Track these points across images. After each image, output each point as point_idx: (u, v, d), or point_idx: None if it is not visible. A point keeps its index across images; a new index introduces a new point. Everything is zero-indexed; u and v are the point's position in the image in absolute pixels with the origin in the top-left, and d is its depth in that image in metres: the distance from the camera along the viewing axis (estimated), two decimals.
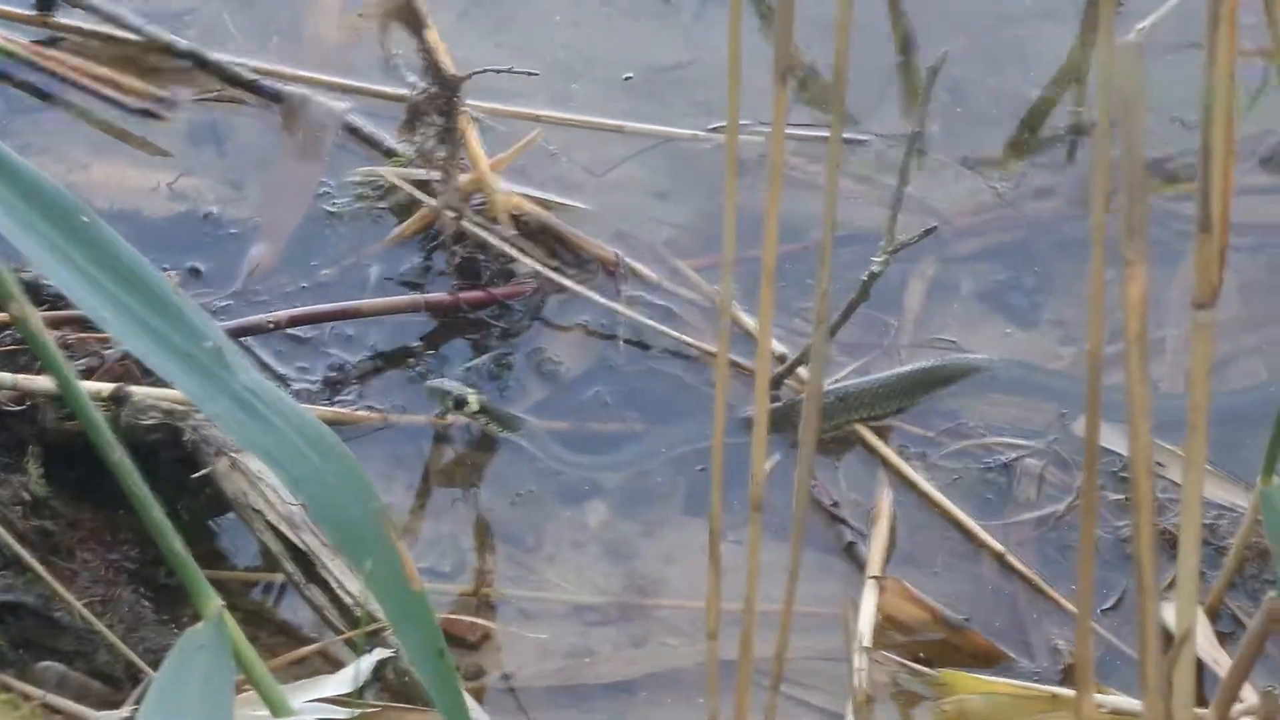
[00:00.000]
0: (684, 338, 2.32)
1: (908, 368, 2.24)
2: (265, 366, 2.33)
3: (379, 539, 1.55)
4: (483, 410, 2.21)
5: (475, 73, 2.32)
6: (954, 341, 2.30)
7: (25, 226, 1.58)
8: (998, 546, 2.10)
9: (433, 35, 2.25)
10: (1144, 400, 1.35)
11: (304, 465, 1.55)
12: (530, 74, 2.50)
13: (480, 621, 2.09)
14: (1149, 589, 1.40)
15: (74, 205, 1.58)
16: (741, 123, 2.50)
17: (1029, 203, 2.45)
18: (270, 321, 2.31)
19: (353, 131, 2.55)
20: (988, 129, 2.53)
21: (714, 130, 2.55)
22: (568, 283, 2.37)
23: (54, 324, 2.24)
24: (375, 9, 2.19)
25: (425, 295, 2.37)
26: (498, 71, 2.42)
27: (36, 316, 1.58)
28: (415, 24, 2.21)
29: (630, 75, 2.62)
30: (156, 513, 1.66)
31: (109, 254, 1.58)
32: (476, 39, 2.66)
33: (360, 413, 2.27)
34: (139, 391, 2.15)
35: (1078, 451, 2.15)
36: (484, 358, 2.33)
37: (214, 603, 1.63)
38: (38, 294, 2.21)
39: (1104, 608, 2.02)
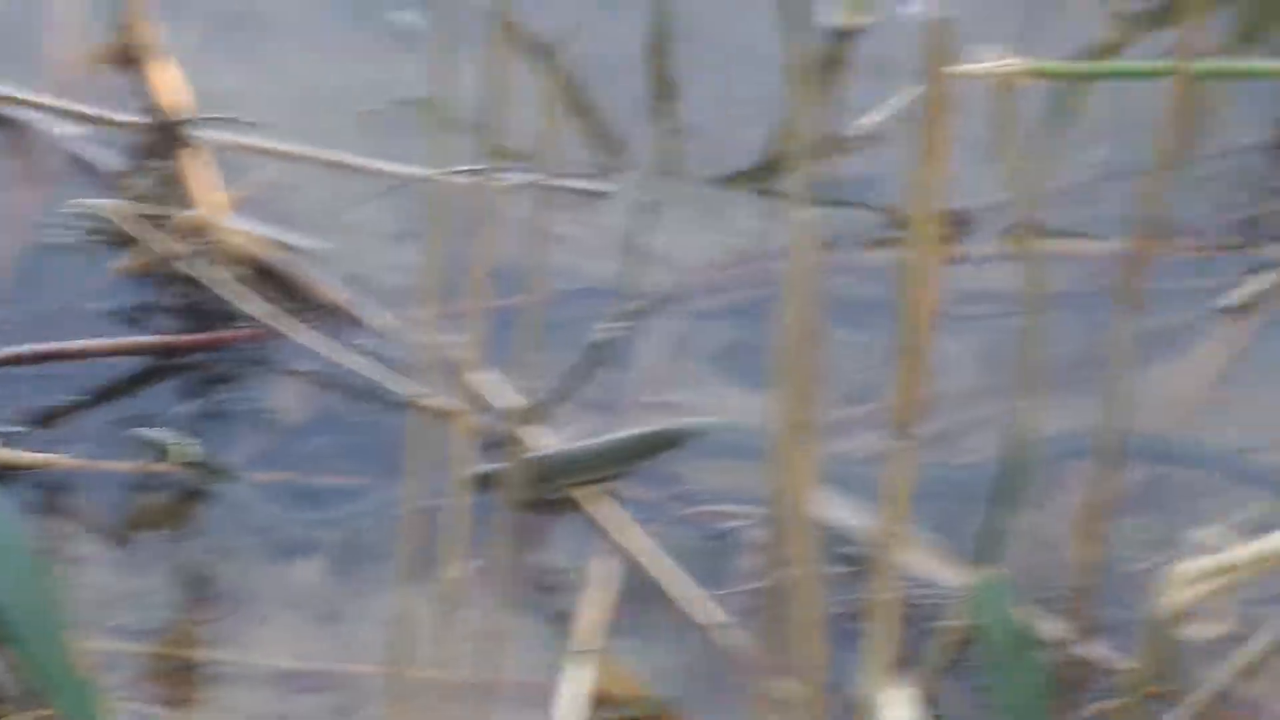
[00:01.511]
0: (412, 388, 2.26)
1: (631, 431, 2.19)
2: None
3: (49, 622, 1.47)
4: (192, 461, 2.13)
5: (199, 119, 2.24)
6: (682, 403, 2.25)
7: None
8: (719, 618, 2.05)
9: (158, 75, 2.17)
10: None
11: None
12: (253, 124, 2.42)
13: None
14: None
15: None
16: (484, 167, 2.45)
17: (770, 261, 2.41)
18: None
19: (76, 160, 2.46)
20: (732, 183, 2.50)
21: (456, 172, 2.49)
22: (293, 328, 2.30)
23: None
24: (100, 51, 2.11)
25: (140, 338, 2.28)
26: (222, 120, 2.34)
27: None
28: (139, 65, 2.13)
29: (374, 109, 2.55)
30: None
31: None
32: (219, 65, 2.58)
33: (61, 458, 2.18)
34: None
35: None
36: (200, 402, 2.25)
37: None
38: None
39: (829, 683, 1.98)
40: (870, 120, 2.50)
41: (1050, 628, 2.03)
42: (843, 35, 2.63)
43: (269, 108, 2.51)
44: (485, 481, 2.01)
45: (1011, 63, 1.83)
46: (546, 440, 2.18)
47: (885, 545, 1.44)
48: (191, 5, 2.64)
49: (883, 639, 1.30)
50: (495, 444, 2.16)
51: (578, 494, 2.15)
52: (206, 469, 2.14)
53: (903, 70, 2.57)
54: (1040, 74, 1.89)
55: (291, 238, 2.40)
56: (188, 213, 2.29)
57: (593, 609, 2.03)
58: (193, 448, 2.13)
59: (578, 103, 2.56)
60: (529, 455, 2.08)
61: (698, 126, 2.53)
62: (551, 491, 2.14)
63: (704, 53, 2.63)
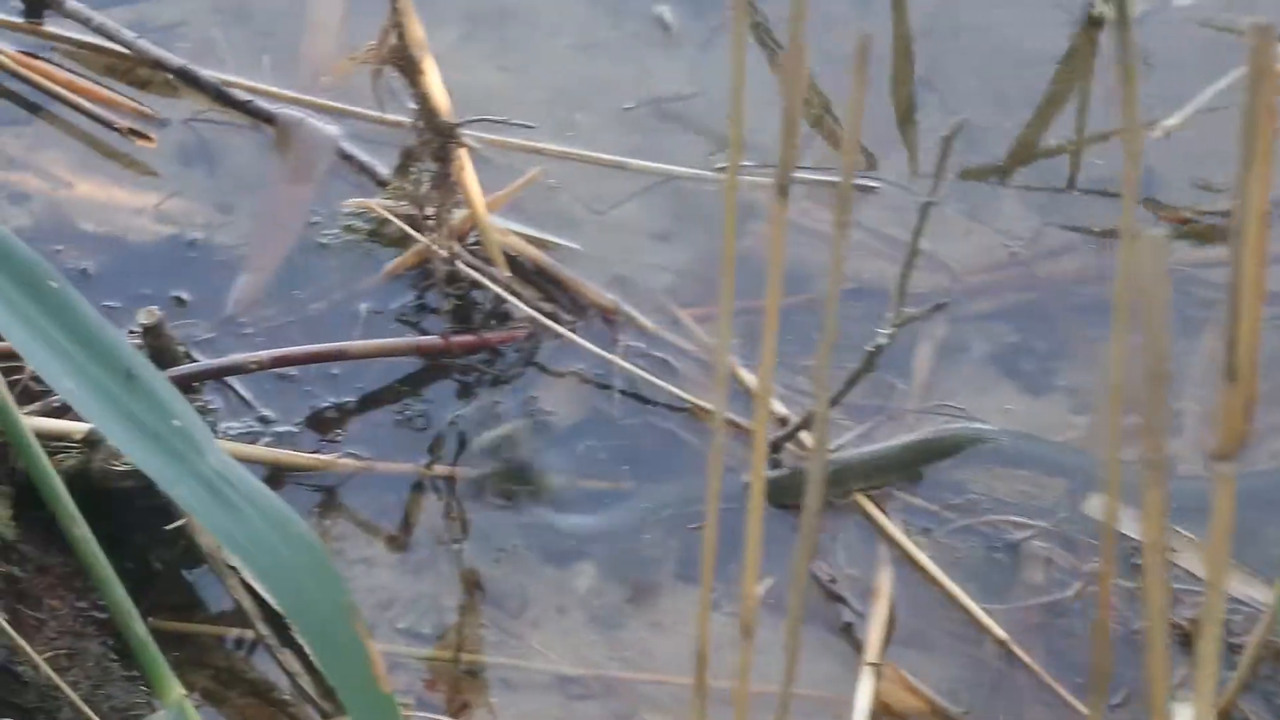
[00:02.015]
0: (681, 392, 2.24)
1: (910, 437, 2.15)
2: (248, 405, 2.25)
3: (347, 636, 1.47)
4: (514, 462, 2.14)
5: (471, 121, 2.23)
6: (962, 409, 2.21)
7: None
8: (1001, 633, 2.01)
9: (428, 79, 2.16)
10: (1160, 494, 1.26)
11: (271, 555, 1.47)
12: (527, 126, 2.41)
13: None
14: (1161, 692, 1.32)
15: (42, 269, 1.50)
16: (748, 163, 2.43)
17: (1044, 262, 2.36)
18: (253, 362, 2.22)
19: (346, 158, 2.47)
20: (1002, 180, 2.45)
21: (719, 170, 2.47)
22: (562, 329, 2.29)
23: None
24: (368, 55, 2.10)
25: (416, 339, 2.28)
26: (494, 121, 2.34)
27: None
28: (410, 69, 2.12)
29: (632, 106, 2.53)
30: (119, 592, 1.58)
31: (76, 322, 1.50)
32: (477, 63, 2.58)
33: (343, 459, 2.19)
34: None
35: (1088, 533, 2.07)
36: (473, 405, 2.25)
37: (175, 691, 1.55)
38: None
39: (1113, 703, 1.94)
40: (1173, 120, 2.43)
41: None
42: (1111, 27, 2.57)
43: (526, 106, 2.50)
44: (770, 492, 1.99)
45: None
46: (828, 445, 2.14)
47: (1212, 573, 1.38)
48: (447, 3, 2.65)
49: (1208, 658, 1.25)
50: (773, 448, 2.13)
51: (860, 501, 2.12)
52: (524, 472, 2.14)
53: (1174, 64, 2.51)
54: None
55: (555, 237, 2.39)
56: (459, 213, 2.28)
57: (879, 620, 2.00)
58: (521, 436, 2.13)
59: (830, 100, 2.52)
60: (820, 460, 2.04)
61: (962, 122, 2.48)
62: (837, 497, 2.10)
63: (968, 46, 2.58)
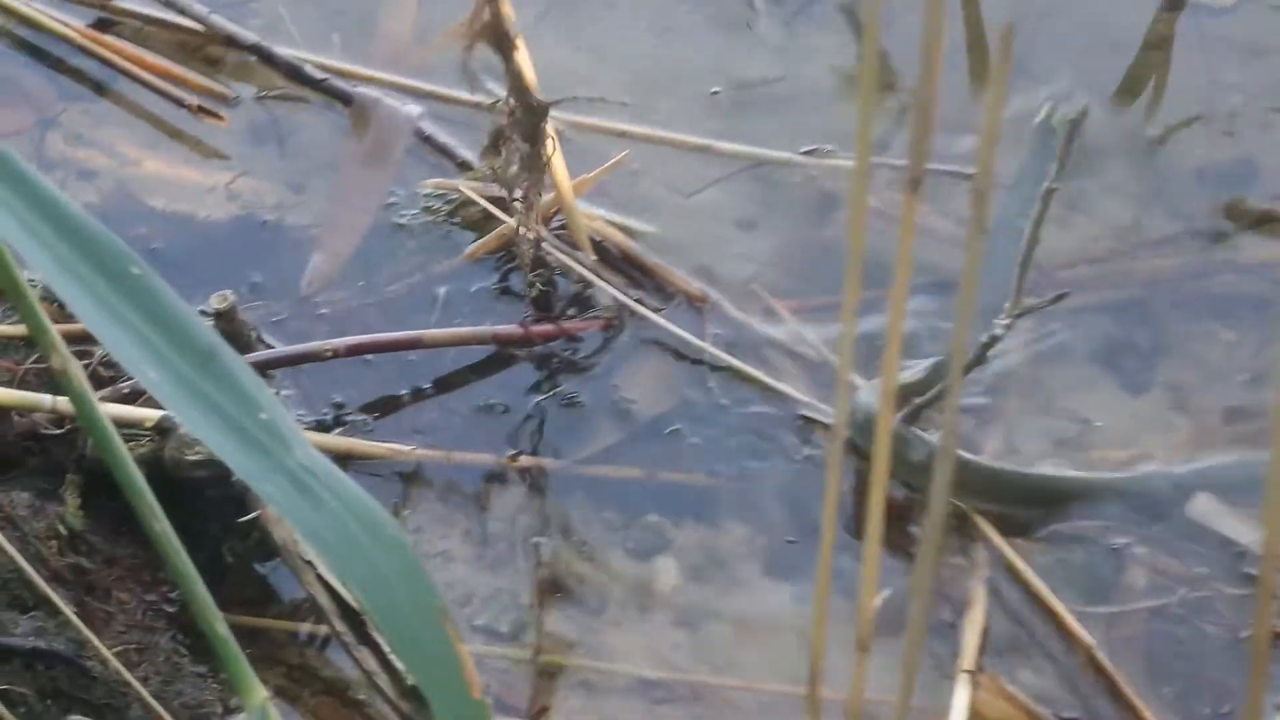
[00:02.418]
0: (775, 384, 2.17)
1: (1042, 471, 2.05)
2: (321, 391, 2.19)
3: (438, 641, 1.40)
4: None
5: (564, 100, 2.16)
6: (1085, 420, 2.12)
7: (70, 274, 1.44)
8: (1089, 639, 1.94)
9: (521, 56, 2.09)
10: None
11: (360, 554, 1.41)
12: (622, 104, 2.34)
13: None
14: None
15: (123, 254, 1.44)
16: (831, 148, 2.36)
17: (1145, 254, 2.28)
18: (329, 350, 2.16)
19: (425, 139, 2.40)
20: (1101, 170, 2.37)
21: (806, 154, 2.39)
22: (650, 315, 2.22)
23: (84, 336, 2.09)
24: (463, 30, 2.03)
25: (494, 328, 2.21)
26: (589, 100, 2.27)
27: (78, 369, 1.44)
28: (505, 45, 2.05)
29: (718, 90, 2.46)
30: (200, 589, 1.52)
31: (159, 310, 1.44)
32: (556, 42, 2.51)
33: (419, 450, 2.12)
34: None
35: (1189, 538, 1.99)
36: (554, 393, 2.18)
37: (259, 693, 1.49)
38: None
39: (1220, 711, 1.87)
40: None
41: None
42: (1208, 12, 2.50)
43: (606, 89, 2.43)
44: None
45: None
46: (956, 441, 2.07)
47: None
48: None
49: None
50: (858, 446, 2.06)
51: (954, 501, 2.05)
52: None
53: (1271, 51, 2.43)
54: None
55: (639, 223, 2.32)
56: (545, 196, 2.21)
57: (975, 627, 1.93)
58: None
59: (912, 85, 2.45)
60: (947, 460, 1.97)
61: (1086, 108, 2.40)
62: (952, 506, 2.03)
63: (1059, 32, 2.51)
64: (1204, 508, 1.97)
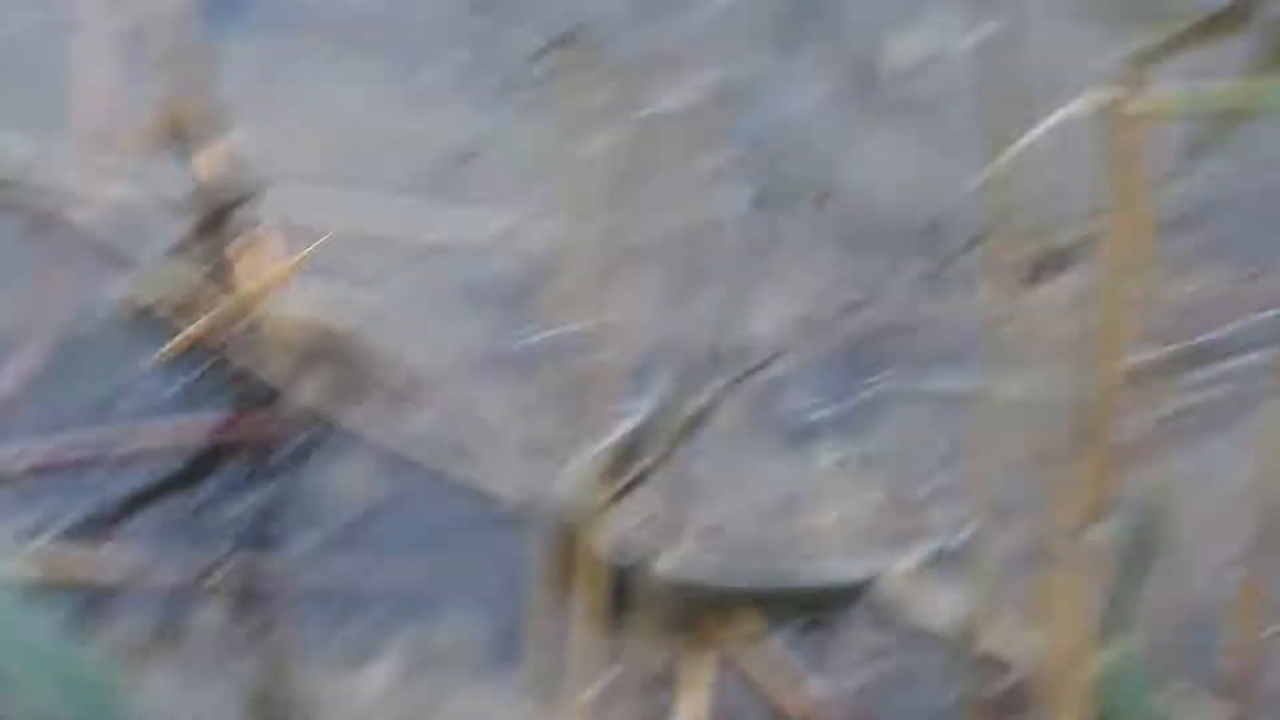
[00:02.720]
0: (477, 478, 2.10)
1: (785, 580, 1.98)
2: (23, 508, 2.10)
3: None
4: None
5: (241, 192, 2.10)
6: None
7: None
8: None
9: (207, 161, 2.03)
10: None
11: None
12: (318, 188, 2.28)
13: None
14: None
15: None
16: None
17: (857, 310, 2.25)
18: (18, 464, 2.08)
19: (115, 242, 2.32)
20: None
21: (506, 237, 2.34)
22: (349, 414, 2.15)
23: None
24: (143, 136, 1.98)
25: (191, 428, 2.13)
26: (261, 187, 2.20)
27: None
28: (191, 144, 2.00)
29: (427, 167, 2.41)
30: None
31: None
32: (267, 121, 2.43)
33: (107, 567, 2.03)
34: None
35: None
36: (251, 499, 2.10)
37: None
38: None
39: None
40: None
41: (1198, 714, 1.86)
42: None
43: (319, 163, 2.36)
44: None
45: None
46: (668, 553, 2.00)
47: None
48: (230, 57, 2.49)
49: None
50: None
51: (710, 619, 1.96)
52: None
53: None
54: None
55: (345, 309, 2.25)
56: (235, 292, 2.14)
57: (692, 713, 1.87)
58: None
59: None
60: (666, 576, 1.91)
61: None
62: (682, 615, 1.94)
63: None
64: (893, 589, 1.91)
